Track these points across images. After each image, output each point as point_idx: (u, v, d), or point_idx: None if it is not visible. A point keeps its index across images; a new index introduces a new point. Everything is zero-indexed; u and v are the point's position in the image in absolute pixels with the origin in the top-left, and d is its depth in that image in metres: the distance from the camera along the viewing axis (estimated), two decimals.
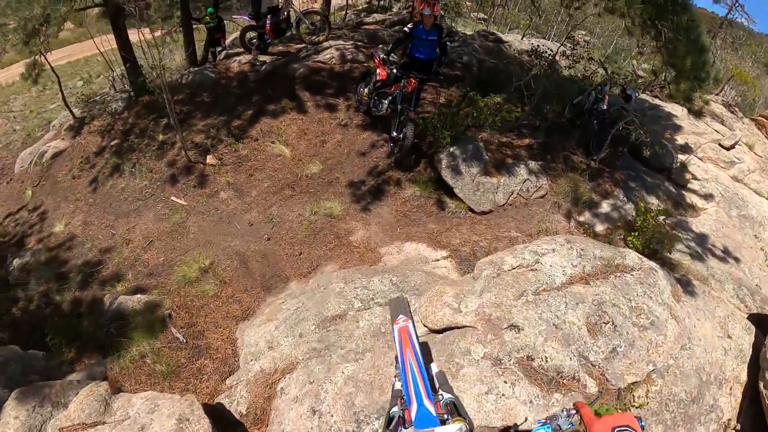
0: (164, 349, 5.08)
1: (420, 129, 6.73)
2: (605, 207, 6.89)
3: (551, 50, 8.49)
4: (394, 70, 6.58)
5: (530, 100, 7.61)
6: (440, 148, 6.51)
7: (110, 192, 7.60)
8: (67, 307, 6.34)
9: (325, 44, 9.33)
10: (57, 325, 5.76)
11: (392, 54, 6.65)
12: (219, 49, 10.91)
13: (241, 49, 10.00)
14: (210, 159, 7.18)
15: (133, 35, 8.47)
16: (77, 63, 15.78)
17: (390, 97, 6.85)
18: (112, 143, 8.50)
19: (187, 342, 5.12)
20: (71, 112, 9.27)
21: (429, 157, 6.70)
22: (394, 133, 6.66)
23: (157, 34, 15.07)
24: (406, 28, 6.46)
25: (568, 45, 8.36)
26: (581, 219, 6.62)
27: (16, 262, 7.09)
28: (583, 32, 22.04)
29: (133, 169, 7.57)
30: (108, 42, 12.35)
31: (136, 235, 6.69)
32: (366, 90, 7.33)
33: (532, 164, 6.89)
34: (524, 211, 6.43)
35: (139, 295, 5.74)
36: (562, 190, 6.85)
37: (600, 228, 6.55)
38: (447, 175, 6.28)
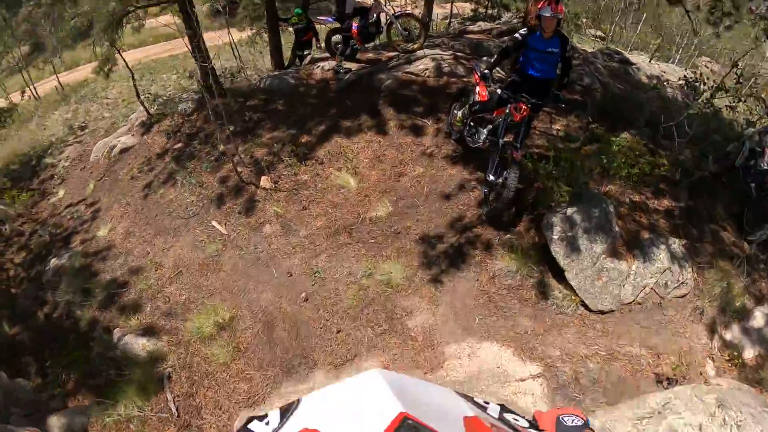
0: (152, 419, 4.16)
1: (526, 173, 5.04)
2: (759, 318, 4.62)
3: (706, 80, 6.23)
4: (498, 91, 5.00)
5: (672, 143, 5.59)
6: (553, 205, 4.77)
7: (159, 202, 6.79)
8: (84, 325, 5.65)
9: (420, 53, 7.90)
10: (59, 350, 5.27)
11: (497, 68, 5.01)
12: (306, 53, 9.95)
13: (328, 55, 8.91)
14: (264, 181, 6.06)
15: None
16: (180, 57, 15.98)
17: (490, 126, 5.28)
18: (175, 146, 7.77)
19: (179, 416, 4.10)
20: (145, 107, 8.75)
21: (535, 215, 4.98)
22: (491, 177, 5.02)
23: (247, 34, 14.83)
24: (518, 35, 4.86)
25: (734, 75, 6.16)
26: (728, 336, 4.48)
27: (53, 262, 6.54)
28: (707, 59, 18.59)
29: (185, 180, 6.70)
30: (218, 37, 12.21)
31: (168, 259, 5.76)
32: (460, 113, 5.77)
33: (676, 244, 4.87)
34: (656, 315, 4.48)
35: (146, 340, 4.85)
36: (709, 289, 4.78)
37: (749, 354, 4.36)
38: (558, 250, 4.52)
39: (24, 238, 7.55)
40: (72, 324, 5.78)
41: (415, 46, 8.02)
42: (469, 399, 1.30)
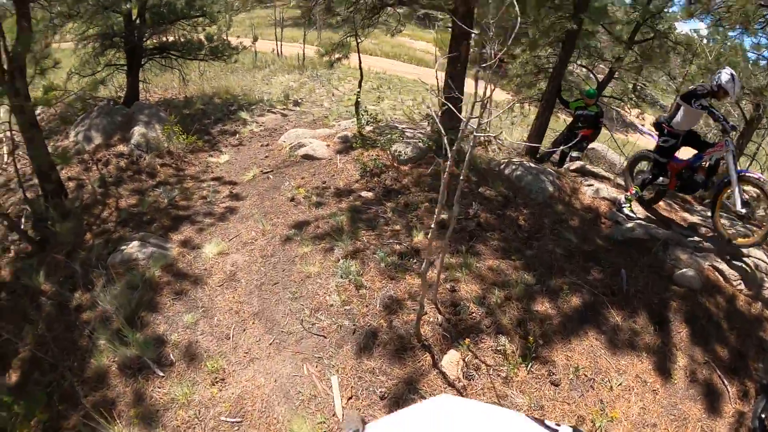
0: None
1: None
2: None
3: None
4: None
5: None
6: None
7: (291, 269, 4.62)
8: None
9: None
10: None
11: None
12: (575, 154, 7.29)
13: (606, 174, 6.12)
14: (451, 360, 3.40)
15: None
16: (425, 86, 14.72)
17: None
18: (362, 193, 5.64)
19: None
20: (358, 122, 6.92)
21: None
22: None
23: (510, 96, 12.71)
24: None
25: None
26: None
27: (127, 251, 4.65)
28: None
29: (341, 263, 4.41)
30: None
31: (240, 381, 3.38)
32: None
33: None
34: None
35: None
36: None
37: None
38: None
39: (149, 183, 6.05)
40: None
41: (751, 240, 4.62)
42: (540, 422, 1.22)
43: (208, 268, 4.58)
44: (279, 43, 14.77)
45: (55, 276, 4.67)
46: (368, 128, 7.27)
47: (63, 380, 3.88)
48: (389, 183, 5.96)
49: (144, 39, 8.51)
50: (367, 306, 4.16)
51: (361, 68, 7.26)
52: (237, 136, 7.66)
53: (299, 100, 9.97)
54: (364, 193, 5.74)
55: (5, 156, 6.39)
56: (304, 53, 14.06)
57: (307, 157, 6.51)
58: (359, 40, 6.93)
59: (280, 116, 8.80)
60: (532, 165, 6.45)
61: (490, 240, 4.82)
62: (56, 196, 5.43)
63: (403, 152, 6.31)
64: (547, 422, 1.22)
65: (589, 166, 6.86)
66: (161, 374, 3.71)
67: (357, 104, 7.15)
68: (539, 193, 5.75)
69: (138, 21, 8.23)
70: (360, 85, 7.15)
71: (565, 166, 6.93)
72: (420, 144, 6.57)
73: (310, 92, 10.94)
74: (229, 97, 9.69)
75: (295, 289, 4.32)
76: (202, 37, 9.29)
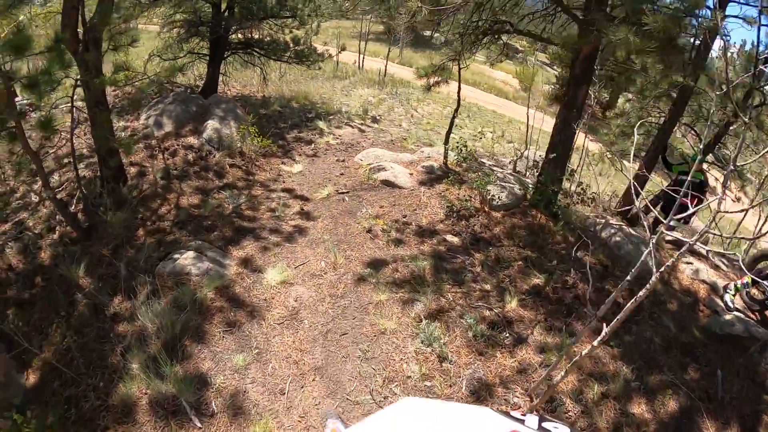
0: None
1: None
2: None
3: None
4: None
5: None
6: None
7: (363, 318, 3.88)
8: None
9: None
10: None
11: None
12: (673, 223, 6.23)
13: (702, 249, 5.20)
14: None
15: None
16: (505, 120, 13.92)
17: None
18: (448, 236, 4.88)
19: None
20: (445, 156, 6.19)
21: None
22: None
23: (599, 148, 11.61)
24: None
25: None
26: None
27: (179, 261, 4.02)
28: None
29: (423, 326, 3.62)
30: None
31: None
32: None
33: None
34: None
35: None
36: None
37: None
38: None
39: (215, 183, 5.49)
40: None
41: None
42: (507, 414, 1.21)
43: (268, 299, 3.88)
44: (361, 55, 14.39)
45: (96, 272, 4.10)
46: (452, 157, 6.55)
47: (84, 400, 3.26)
48: (478, 230, 5.18)
49: (230, 32, 8.20)
50: (450, 386, 3.37)
51: (459, 96, 6.53)
52: (312, 145, 7.07)
53: (378, 117, 9.37)
54: (449, 237, 4.97)
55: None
56: (386, 69, 13.59)
57: (388, 183, 5.81)
58: (462, 66, 6.24)
59: (357, 131, 8.20)
60: (632, 232, 5.66)
61: (587, 317, 4.08)
62: (114, 180, 4.92)
63: (497, 196, 5.51)
64: (512, 413, 1.20)
65: (685, 239, 5.85)
66: (198, 425, 3.00)
67: (449, 134, 6.42)
68: (640, 268, 4.87)
69: (226, 13, 7.92)
70: (455, 114, 6.42)
71: (660, 235, 5.93)
72: (516, 189, 5.74)
73: (389, 110, 10.35)
74: (307, 103, 9.21)
75: (367, 347, 3.55)
76: (288, 38, 8.93)
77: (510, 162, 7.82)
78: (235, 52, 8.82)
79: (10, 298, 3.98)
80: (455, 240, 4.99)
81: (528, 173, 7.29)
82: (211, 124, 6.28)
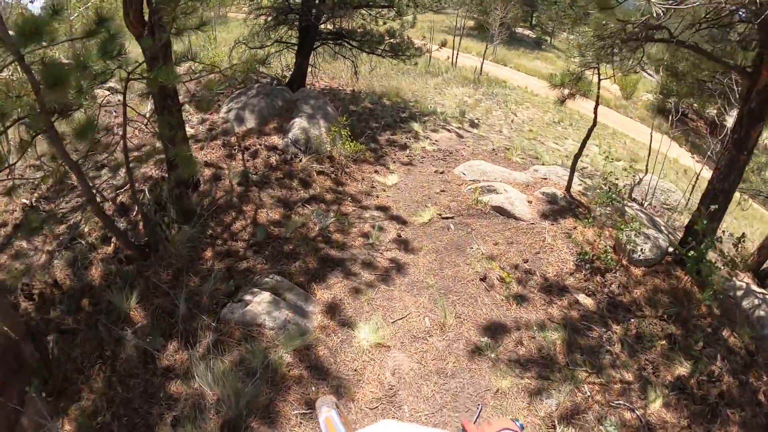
0: None
1: None
2: None
3: None
4: None
5: None
6: None
7: (500, 390, 2.80)
8: None
9: None
10: None
11: None
12: None
13: None
14: None
15: None
16: (604, 132, 12.12)
17: None
18: (586, 297, 3.71)
19: None
20: (569, 182, 4.95)
21: None
22: None
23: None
24: None
25: None
26: None
27: (251, 303, 3.17)
28: None
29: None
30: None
31: None
32: None
33: None
34: None
35: None
36: None
37: None
38: None
39: (299, 193, 4.63)
40: None
41: None
42: None
43: (359, 370, 2.94)
44: (455, 51, 13.18)
45: (151, 304, 3.36)
46: (576, 184, 5.27)
47: None
48: (616, 290, 3.96)
49: (321, 21, 7.37)
50: None
51: (596, 113, 5.21)
52: (407, 151, 6.09)
53: (476, 121, 8.22)
54: (582, 298, 3.81)
55: (147, 115, 5.41)
56: (482, 67, 12.32)
57: (501, 211, 4.69)
58: (601, 77, 4.95)
59: (455, 136, 7.12)
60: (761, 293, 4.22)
61: (731, 423, 3.11)
62: (183, 185, 4.17)
63: (639, 249, 4.22)
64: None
65: None
66: None
67: (577, 157, 5.16)
68: None
69: (317, 0, 7.10)
70: (588, 135, 5.12)
71: None
72: (661, 241, 4.38)
73: (487, 113, 9.14)
74: (399, 100, 8.25)
75: None
76: (383, 30, 7.98)
77: (625, 187, 6.32)
78: (325, 43, 8.02)
79: (52, 321, 3.34)
80: (589, 302, 3.81)
81: (647, 205, 5.83)
82: (299, 123, 5.46)
